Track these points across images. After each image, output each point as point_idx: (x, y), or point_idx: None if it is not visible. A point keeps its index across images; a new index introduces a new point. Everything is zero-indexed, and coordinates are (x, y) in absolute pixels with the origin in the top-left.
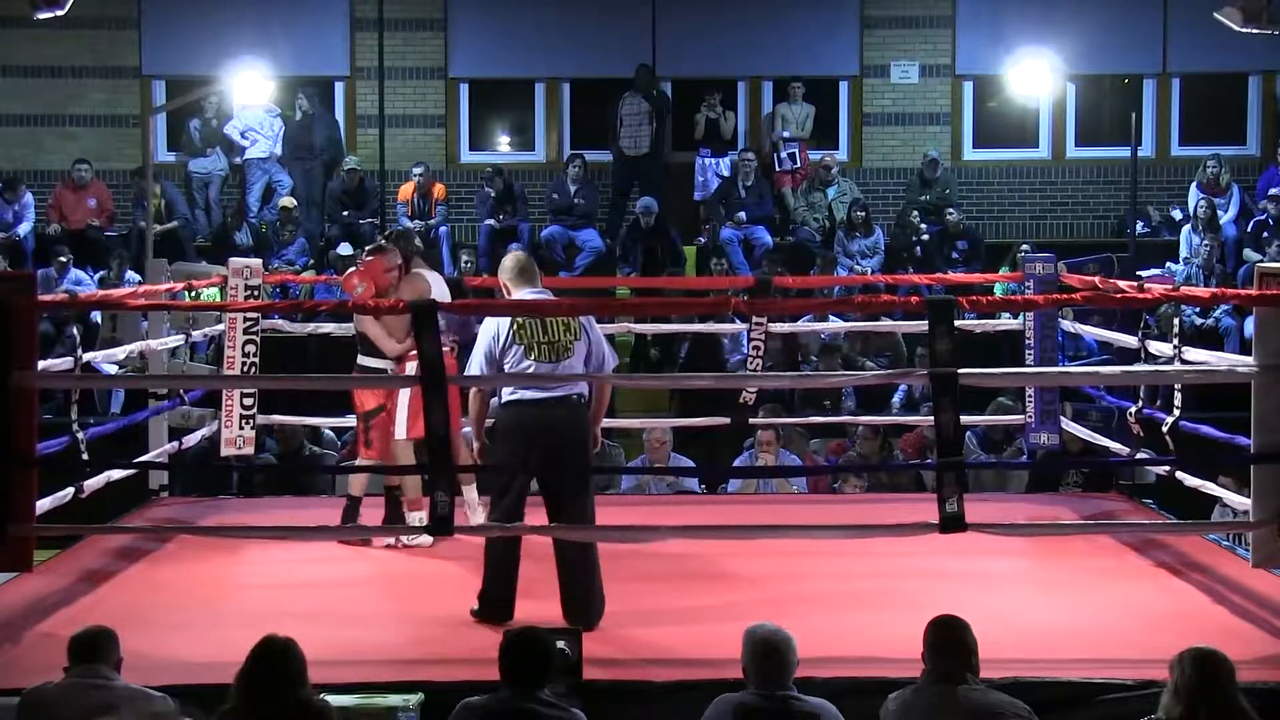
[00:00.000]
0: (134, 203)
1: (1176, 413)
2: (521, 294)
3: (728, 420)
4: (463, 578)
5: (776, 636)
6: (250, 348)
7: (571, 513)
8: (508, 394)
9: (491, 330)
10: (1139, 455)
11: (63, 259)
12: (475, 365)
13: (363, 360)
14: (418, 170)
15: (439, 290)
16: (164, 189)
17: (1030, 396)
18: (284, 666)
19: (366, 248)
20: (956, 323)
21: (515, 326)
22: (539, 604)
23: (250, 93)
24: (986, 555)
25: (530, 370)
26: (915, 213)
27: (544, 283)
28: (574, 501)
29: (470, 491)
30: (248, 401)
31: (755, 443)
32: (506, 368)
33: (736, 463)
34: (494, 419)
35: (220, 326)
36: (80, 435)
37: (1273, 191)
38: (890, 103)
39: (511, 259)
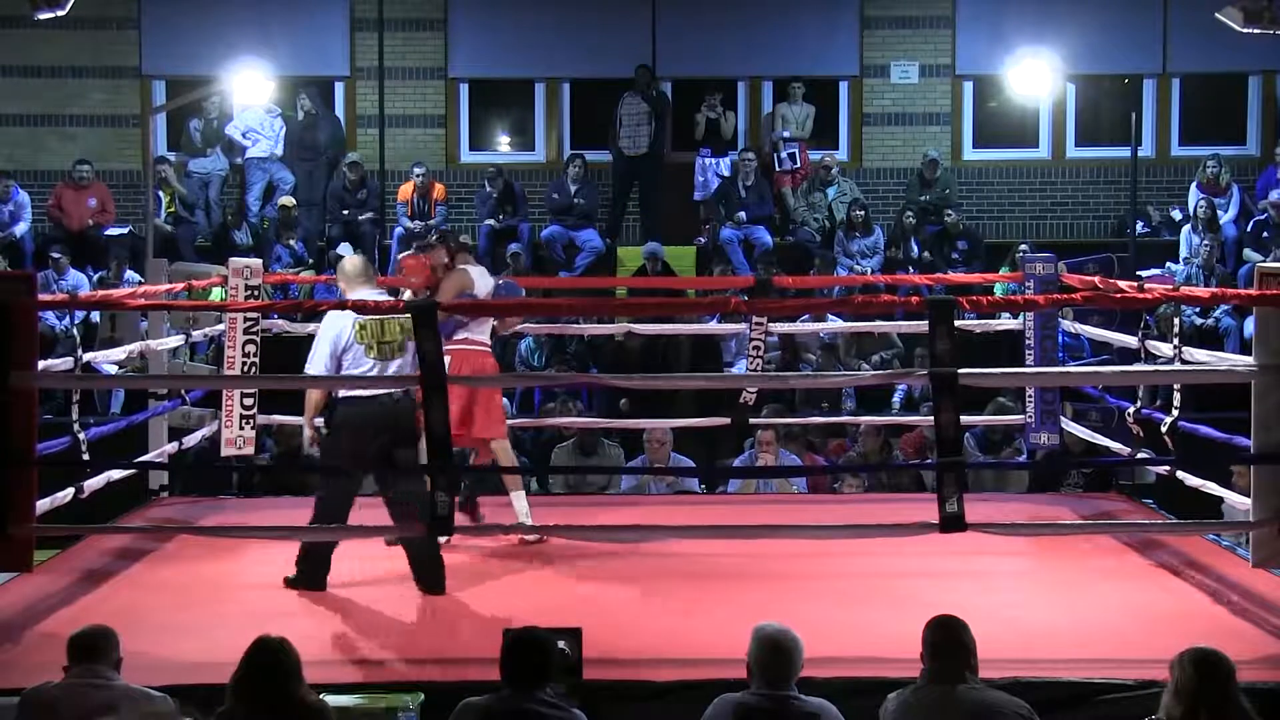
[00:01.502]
0: (156, 184)
1: (1175, 413)
2: (358, 293)
3: (728, 420)
4: (464, 578)
5: (785, 636)
6: (250, 348)
7: (403, 502)
8: (345, 390)
9: (335, 329)
10: (1139, 455)
11: (57, 257)
12: (319, 360)
13: None
14: (418, 170)
15: (482, 284)
16: (182, 183)
17: (1030, 396)
18: (278, 666)
19: (416, 244)
20: (956, 323)
21: (357, 327)
22: (535, 603)
23: (250, 93)
24: (986, 555)
25: (371, 369)
26: (910, 214)
27: (544, 283)
28: (406, 491)
29: (520, 500)
30: (248, 401)
31: (755, 443)
32: (346, 365)
33: (736, 463)
34: (331, 413)
35: (220, 326)
36: (81, 435)
37: (1274, 195)
38: (890, 103)
39: (349, 262)
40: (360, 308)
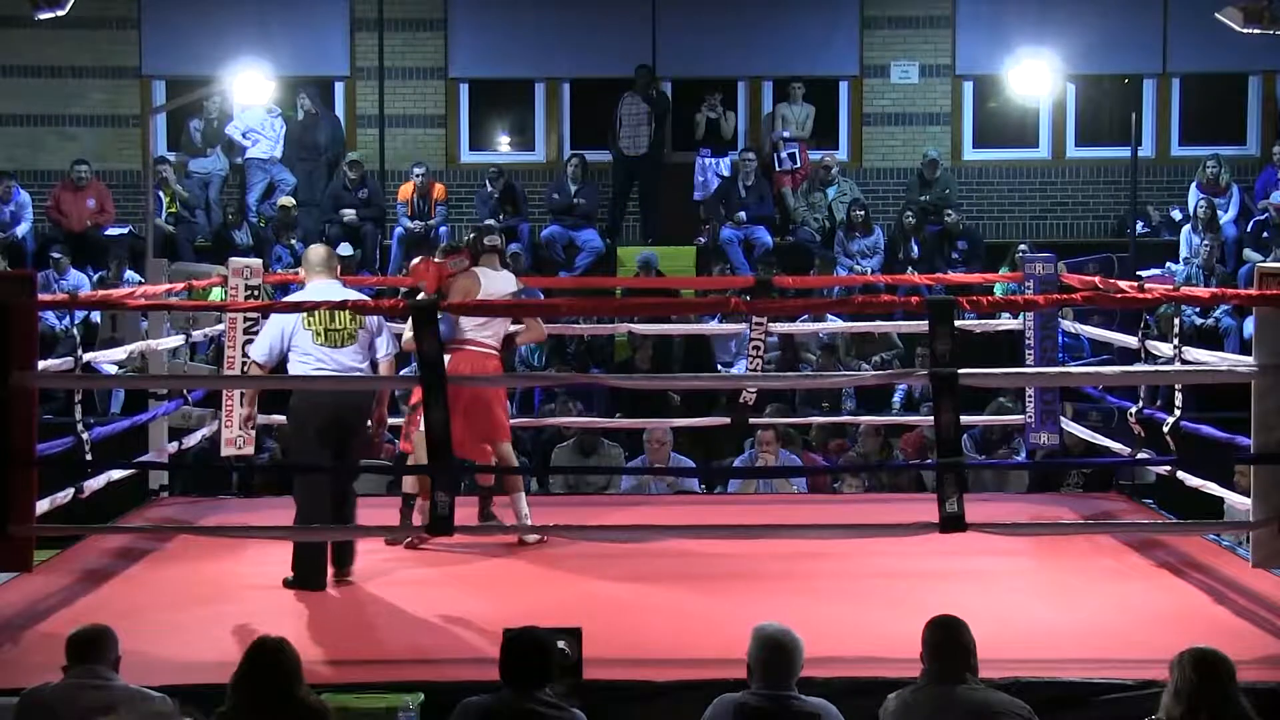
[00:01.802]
0: (156, 184)
1: (1178, 413)
2: (315, 281)
3: (728, 420)
4: (464, 578)
5: (785, 636)
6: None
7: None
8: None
9: (281, 317)
10: (1139, 455)
11: (57, 257)
12: (263, 345)
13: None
14: (418, 170)
15: (496, 290)
16: (182, 183)
17: (1030, 396)
18: (278, 666)
19: (441, 248)
20: (956, 323)
21: (305, 314)
22: (535, 603)
23: (250, 93)
24: (986, 555)
25: (320, 355)
26: (910, 214)
27: (544, 283)
28: (353, 475)
29: (521, 502)
30: None
31: (755, 442)
32: (294, 350)
33: (736, 463)
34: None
35: (220, 326)
36: (85, 436)
37: (1275, 196)
38: (890, 103)
39: (313, 251)
40: (359, 308)
